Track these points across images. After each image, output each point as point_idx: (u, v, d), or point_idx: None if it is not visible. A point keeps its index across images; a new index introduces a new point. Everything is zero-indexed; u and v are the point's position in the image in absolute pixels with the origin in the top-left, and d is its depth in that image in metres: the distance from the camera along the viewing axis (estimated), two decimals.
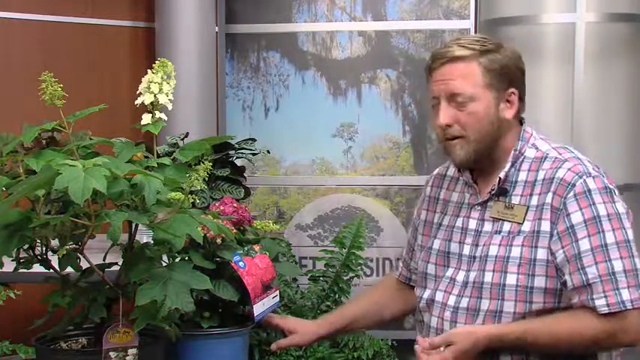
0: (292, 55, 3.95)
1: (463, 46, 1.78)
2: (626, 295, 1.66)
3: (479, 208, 1.83)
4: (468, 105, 1.78)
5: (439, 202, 1.95)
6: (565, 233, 1.70)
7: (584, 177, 1.72)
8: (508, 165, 1.80)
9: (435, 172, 2.02)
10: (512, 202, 1.77)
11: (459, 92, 1.78)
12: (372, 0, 3.90)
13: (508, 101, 1.80)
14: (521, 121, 1.86)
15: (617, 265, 1.67)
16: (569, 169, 1.74)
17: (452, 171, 1.96)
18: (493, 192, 1.80)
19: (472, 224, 1.83)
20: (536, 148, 1.81)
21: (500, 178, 1.79)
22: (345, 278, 3.28)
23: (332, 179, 3.93)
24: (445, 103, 1.80)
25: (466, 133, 1.79)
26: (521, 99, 1.82)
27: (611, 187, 1.74)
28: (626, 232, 1.70)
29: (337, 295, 3.23)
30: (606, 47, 3.40)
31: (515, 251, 1.74)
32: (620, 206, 1.73)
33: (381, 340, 3.20)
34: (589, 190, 1.71)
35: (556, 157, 1.77)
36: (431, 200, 1.98)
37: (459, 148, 1.80)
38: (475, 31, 3.79)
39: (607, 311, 1.66)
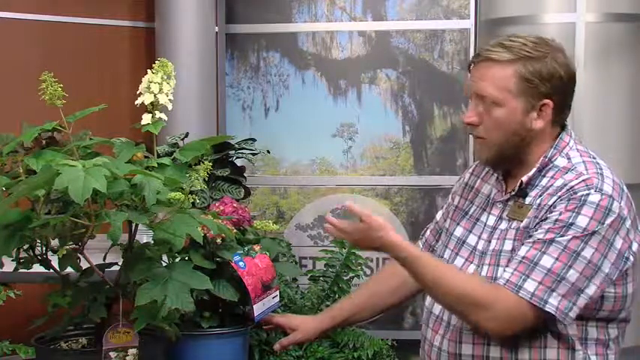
0: (292, 55, 3.95)
1: (507, 49, 1.74)
2: (530, 286, 1.63)
3: (500, 205, 1.83)
4: (493, 109, 1.75)
5: (472, 190, 1.94)
6: (537, 224, 1.69)
7: (592, 190, 1.67)
8: (534, 170, 1.77)
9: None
10: (526, 202, 1.76)
11: (485, 94, 1.75)
12: (372, 0, 3.90)
13: (541, 111, 1.75)
14: (563, 127, 1.82)
15: (546, 261, 1.64)
16: (583, 181, 1.69)
17: None
18: (513, 193, 1.79)
19: (491, 220, 1.83)
20: (568, 159, 1.77)
21: (522, 181, 1.77)
22: (345, 278, 3.28)
23: (332, 179, 3.92)
24: (473, 102, 1.79)
25: (488, 137, 1.78)
26: (562, 108, 1.77)
27: (616, 213, 1.67)
28: (583, 248, 1.64)
29: (337, 295, 3.23)
30: (606, 47, 3.39)
31: (508, 244, 1.74)
32: (610, 233, 1.65)
33: (381, 340, 3.20)
34: (585, 201, 1.66)
35: (580, 172, 1.73)
36: (466, 187, 1.97)
37: (480, 149, 1.81)
38: (475, 31, 3.79)
39: (501, 284, 1.65)
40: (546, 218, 1.68)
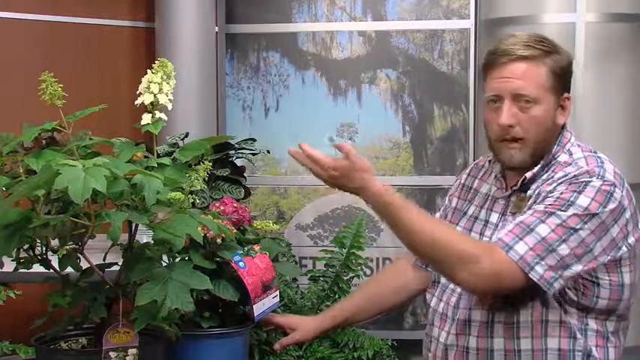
0: (292, 55, 3.95)
1: (530, 46, 1.74)
2: (521, 248, 1.62)
3: (502, 202, 1.83)
4: (532, 107, 1.74)
5: (470, 190, 1.94)
6: (537, 196, 1.70)
7: (594, 177, 1.68)
8: (538, 167, 1.77)
9: (477, 161, 1.99)
10: (527, 195, 1.77)
11: (524, 93, 1.73)
12: (372, 0, 3.90)
13: (562, 106, 1.77)
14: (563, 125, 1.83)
15: (543, 230, 1.63)
16: (586, 171, 1.70)
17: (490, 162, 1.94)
18: (515, 188, 1.80)
19: (494, 218, 1.83)
20: (570, 155, 1.78)
21: (525, 177, 1.78)
22: (345, 278, 3.28)
23: None
24: (509, 102, 1.75)
25: (527, 136, 1.76)
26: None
27: (617, 200, 1.67)
28: (581, 228, 1.64)
29: (337, 295, 3.23)
30: (606, 47, 3.39)
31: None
32: (610, 220, 1.66)
33: (381, 340, 3.20)
34: (588, 184, 1.67)
35: (580, 166, 1.73)
36: (464, 188, 1.97)
37: (517, 151, 1.77)
38: (475, 31, 3.79)
39: (494, 242, 1.65)
40: (547, 197, 1.68)
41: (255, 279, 1.94)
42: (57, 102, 1.62)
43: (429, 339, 1.90)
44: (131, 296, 1.70)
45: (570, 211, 1.65)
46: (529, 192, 1.76)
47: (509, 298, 1.72)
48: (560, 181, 1.70)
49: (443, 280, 1.89)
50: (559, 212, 1.65)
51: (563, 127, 1.83)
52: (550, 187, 1.71)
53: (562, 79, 1.76)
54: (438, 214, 2.05)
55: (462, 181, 1.98)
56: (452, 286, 1.84)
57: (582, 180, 1.68)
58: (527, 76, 1.74)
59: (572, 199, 1.66)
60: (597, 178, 1.68)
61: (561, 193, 1.67)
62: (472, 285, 1.66)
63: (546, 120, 1.75)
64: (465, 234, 1.76)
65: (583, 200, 1.65)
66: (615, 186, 1.69)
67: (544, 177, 1.76)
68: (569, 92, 1.79)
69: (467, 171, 2.00)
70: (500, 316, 1.74)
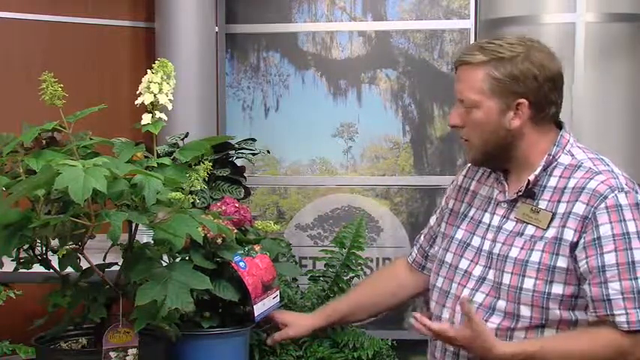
0: (292, 55, 3.95)
1: (481, 51, 1.76)
2: None
3: (505, 205, 1.83)
4: (472, 111, 1.78)
5: (468, 192, 1.94)
6: (591, 244, 1.68)
7: (616, 192, 1.69)
8: (539, 169, 1.78)
9: None
10: (539, 206, 1.76)
11: (463, 97, 1.79)
12: (372, 0, 3.90)
13: (517, 110, 1.77)
14: (560, 126, 1.83)
15: None
16: (601, 182, 1.71)
17: None
18: (520, 193, 1.80)
19: (495, 220, 1.83)
20: (572, 156, 1.79)
21: (529, 180, 1.78)
22: (345, 278, 3.28)
23: (332, 179, 3.92)
24: (456, 104, 1.82)
25: (470, 138, 1.81)
26: (541, 106, 1.77)
27: None
28: None
29: (337, 295, 3.22)
30: (606, 47, 3.39)
31: (535, 256, 1.73)
32: None
33: (381, 340, 3.20)
34: (620, 206, 1.68)
35: (590, 168, 1.75)
36: (461, 190, 1.97)
37: (467, 150, 1.84)
38: (475, 31, 3.79)
39: (627, 329, 1.65)
40: (598, 237, 1.68)
41: (255, 279, 1.94)
42: (57, 102, 1.62)
43: (433, 345, 1.89)
44: (131, 296, 1.70)
45: (637, 248, 1.66)
46: (543, 203, 1.76)
47: None
48: (584, 199, 1.70)
49: (439, 284, 1.89)
50: (635, 258, 1.66)
51: (561, 128, 1.83)
52: (578, 208, 1.70)
53: (508, 86, 1.75)
54: (434, 217, 2.05)
55: (459, 183, 1.98)
56: (453, 291, 1.83)
57: (612, 201, 1.68)
58: (466, 81, 1.78)
59: (623, 229, 1.66)
60: (620, 192, 1.70)
61: (612, 229, 1.67)
62: None
63: (487, 124, 1.77)
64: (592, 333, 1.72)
65: (631, 225, 1.67)
66: (636, 192, 1.72)
67: (552, 184, 1.76)
68: (528, 97, 1.76)
69: (463, 172, 2.00)
70: (525, 311, 1.73)
